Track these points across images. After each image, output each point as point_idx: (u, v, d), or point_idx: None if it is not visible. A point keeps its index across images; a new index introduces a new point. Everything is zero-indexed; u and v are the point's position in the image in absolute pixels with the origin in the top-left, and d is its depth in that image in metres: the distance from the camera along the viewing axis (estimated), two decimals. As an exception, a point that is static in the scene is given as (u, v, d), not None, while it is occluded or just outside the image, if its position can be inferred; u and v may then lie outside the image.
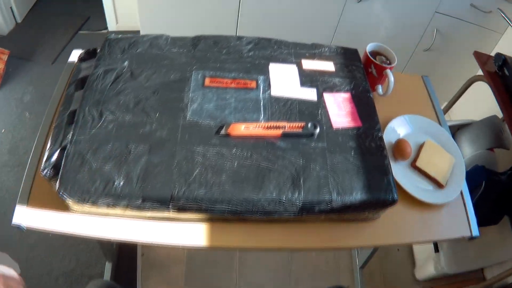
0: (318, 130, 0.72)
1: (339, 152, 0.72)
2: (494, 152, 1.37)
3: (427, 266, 1.53)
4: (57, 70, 2.04)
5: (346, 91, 0.81)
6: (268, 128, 0.71)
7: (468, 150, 1.39)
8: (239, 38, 0.86)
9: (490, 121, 1.40)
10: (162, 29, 1.61)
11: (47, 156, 0.69)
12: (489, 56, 1.31)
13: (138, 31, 1.67)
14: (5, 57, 1.96)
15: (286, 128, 0.71)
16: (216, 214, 0.67)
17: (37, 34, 2.18)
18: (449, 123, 1.50)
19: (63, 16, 2.29)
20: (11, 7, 2.13)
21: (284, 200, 0.65)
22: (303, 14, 1.60)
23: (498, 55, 1.28)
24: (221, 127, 0.71)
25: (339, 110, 0.77)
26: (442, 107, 2.08)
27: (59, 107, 0.80)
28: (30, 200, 0.72)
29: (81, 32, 2.18)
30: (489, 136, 1.37)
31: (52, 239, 1.50)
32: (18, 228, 0.70)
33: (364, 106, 0.80)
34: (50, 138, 0.72)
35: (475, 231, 0.82)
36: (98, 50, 0.85)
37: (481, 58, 1.30)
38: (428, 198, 0.81)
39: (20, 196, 0.73)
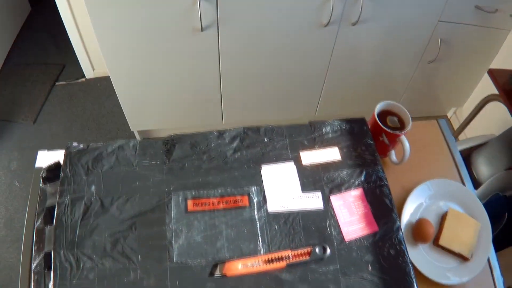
0: (328, 253, 0.60)
1: (354, 272, 0.61)
2: None
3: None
4: (40, 130, 1.93)
5: (357, 186, 0.69)
6: (270, 261, 0.59)
7: (486, 172, 1.28)
8: (221, 134, 0.73)
9: (508, 137, 1.28)
10: (132, 74, 1.49)
11: None
12: (504, 71, 1.17)
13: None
14: (-17, 125, 1.85)
15: (291, 257, 0.60)
16: None
17: (13, 92, 2.07)
18: (464, 145, 1.38)
19: (38, 67, 2.16)
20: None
21: None
22: (296, 44, 1.45)
23: None
24: (215, 267, 0.60)
25: (351, 215, 0.65)
26: (450, 115, 1.97)
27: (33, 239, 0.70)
28: None
29: (58, 83, 2.06)
30: (508, 154, 1.25)
31: None
32: None
33: (379, 201, 0.67)
34: (32, 285, 0.63)
35: None
36: (61, 168, 0.73)
37: (495, 75, 1.16)
38: (453, 280, 0.73)
39: None
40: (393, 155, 0.80)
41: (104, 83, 2.02)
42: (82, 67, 1.99)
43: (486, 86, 1.66)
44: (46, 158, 0.85)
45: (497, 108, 1.34)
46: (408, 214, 0.78)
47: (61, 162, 0.73)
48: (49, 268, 0.63)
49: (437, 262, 0.74)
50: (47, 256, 0.65)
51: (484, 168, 1.28)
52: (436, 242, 0.76)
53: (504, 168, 1.24)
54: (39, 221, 0.72)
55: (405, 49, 1.52)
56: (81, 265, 0.61)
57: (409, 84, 1.65)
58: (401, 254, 0.63)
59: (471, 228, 0.77)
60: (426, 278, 0.72)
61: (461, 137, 1.68)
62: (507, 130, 1.27)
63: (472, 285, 0.73)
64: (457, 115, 1.96)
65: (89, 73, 2.03)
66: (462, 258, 0.75)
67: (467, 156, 1.35)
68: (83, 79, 2.05)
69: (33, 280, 0.64)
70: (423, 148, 0.88)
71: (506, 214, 1.13)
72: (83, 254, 0.62)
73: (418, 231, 0.75)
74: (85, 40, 1.87)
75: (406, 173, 0.83)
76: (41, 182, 0.76)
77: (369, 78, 1.62)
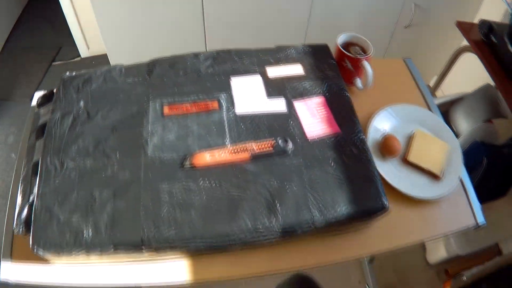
0: (290, 145, 0.66)
1: (317, 166, 0.66)
2: (493, 124, 1.30)
3: (438, 249, 1.48)
4: (36, 107, 2.00)
5: (319, 94, 0.75)
6: (235, 152, 0.65)
7: (464, 125, 1.32)
8: (196, 55, 0.80)
9: (484, 91, 1.33)
10: (129, 50, 1.58)
11: (17, 213, 0.66)
12: (473, 24, 1.23)
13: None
14: (-18, 102, 1.92)
15: (255, 149, 0.66)
16: (191, 250, 0.62)
17: (12, 72, 2.15)
18: (441, 100, 1.44)
19: (35, 49, 2.25)
20: (-19, 49, 2.09)
21: (261, 229, 0.60)
22: (272, 14, 1.53)
23: (483, 22, 1.20)
24: (184, 159, 0.66)
25: (313, 117, 0.71)
26: (432, 84, 2.03)
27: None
28: (14, 254, 0.70)
29: (54, 63, 2.14)
30: (485, 107, 1.30)
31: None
32: (7, 284, 0.68)
33: (341, 108, 0.74)
34: (19, 193, 0.69)
35: (481, 219, 0.75)
36: (55, 92, 0.80)
37: (464, 27, 1.23)
38: (424, 194, 0.74)
39: (3, 252, 0.71)
40: (358, 82, 0.86)
41: (99, 60, 2.10)
42: (78, 47, 2.08)
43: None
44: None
45: (472, 66, 1.40)
46: (374, 134, 0.81)
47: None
48: (36, 175, 0.68)
49: (407, 178, 0.77)
50: (35, 165, 0.70)
51: (462, 121, 1.33)
52: (405, 159, 0.78)
53: (481, 120, 1.28)
54: (31, 138, 0.78)
55: (381, 12, 1.59)
56: (65, 166, 0.67)
57: (388, 49, 1.72)
58: (363, 152, 0.68)
59: (439, 147, 0.79)
60: (396, 193, 0.73)
61: (439, 94, 1.73)
62: (484, 85, 1.33)
63: (446, 205, 0.76)
64: (441, 89, 2.02)
65: (84, 53, 2.12)
66: (433, 176, 0.77)
67: (446, 112, 1.40)
68: (78, 58, 2.14)
69: (20, 189, 0.69)
70: (390, 81, 0.93)
71: (485, 159, 1.17)
72: (67, 157, 0.68)
73: (385, 145, 0.78)
74: (81, 21, 1.96)
75: (372, 99, 0.87)
76: (36, 108, 0.83)
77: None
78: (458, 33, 1.44)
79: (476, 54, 1.20)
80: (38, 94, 0.91)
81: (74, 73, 0.82)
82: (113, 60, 1.61)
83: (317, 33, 1.65)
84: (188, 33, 1.57)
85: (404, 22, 1.64)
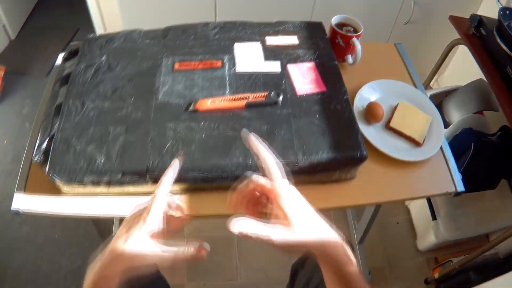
0: (281, 97, 0.77)
1: (304, 116, 0.76)
2: (484, 115, 1.36)
3: (428, 235, 1.53)
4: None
5: (310, 60, 0.86)
6: (233, 100, 0.76)
7: (456, 116, 1.37)
8: (206, 24, 0.91)
9: (477, 85, 1.38)
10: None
11: (38, 144, 0.75)
12: (465, 19, 1.29)
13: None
14: (1, 73, 2.04)
15: (250, 98, 0.76)
16: (190, 182, 0.72)
17: (30, 49, 2.27)
18: (435, 91, 1.50)
19: (54, 30, 2.38)
20: (3, 25, 2.21)
21: (251, 163, 0.70)
22: (277, 3, 1.63)
23: (473, 16, 1.25)
24: (189, 104, 0.76)
25: (303, 78, 0.82)
26: (432, 83, 2.07)
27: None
28: (27, 187, 0.78)
29: (72, 43, 2.25)
30: (476, 99, 1.35)
31: (58, 239, 1.57)
32: (17, 213, 0.75)
33: (328, 72, 0.84)
34: (40, 130, 0.78)
35: (460, 187, 0.81)
36: (80, 48, 0.91)
37: (457, 21, 1.30)
38: (405, 156, 0.80)
39: (17, 184, 0.78)
40: (349, 58, 0.96)
41: (113, 42, 2.22)
42: (95, 29, 2.19)
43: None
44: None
45: (469, 62, 1.46)
46: (360, 101, 0.88)
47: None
48: (57, 115, 0.77)
49: (390, 142, 0.83)
50: (58, 107, 0.79)
51: (454, 112, 1.39)
52: (387, 125, 0.85)
53: (472, 112, 1.33)
54: (55, 85, 0.88)
55: (381, 8, 1.67)
56: (85, 107, 0.77)
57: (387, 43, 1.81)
58: (347, 109, 0.78)
59: (422, 118, 0.86)
60: (379, 154, 0.80)
61: (435, 87, 1.78)
62: (477, 79, 1.39)
63: (426, 171, 0.81)
64: (438, 83, 2.07)
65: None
66: (414, 142, 0.83)
67: (439, 103, 1.46)
68: (95, 39, 2.26)
69: (42, 126, 0.77)
70: (381, 62, 1.02)
71: (473, 144, 1.21)
72: (88, 99, 0.78)
73: (369, 111, 0.86)
74: (100, 4, 2.08)
75: (363, 76, 0.96)
76: (62, 61, 0.94)
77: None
78: (455, 32, 1.50)
79: (467, 46, 1.24)
80: (61, 55, 1.02)
81: (98, 34, 0.94)
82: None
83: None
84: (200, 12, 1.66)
85: (404, 18, 1.71)
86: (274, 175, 0.48)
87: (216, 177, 0.71)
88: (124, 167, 0.69)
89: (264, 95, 0.76)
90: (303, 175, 0.75)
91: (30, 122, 1.96)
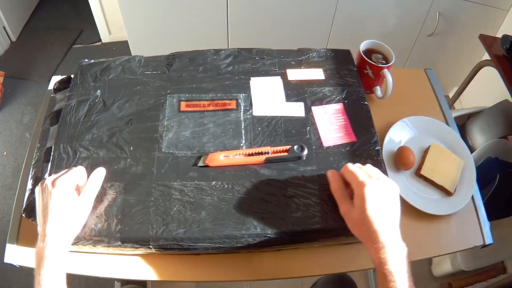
0: (305, 152, 0.65)
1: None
2: (509, 140, 1.28)
3: (444, 263, 1.47)
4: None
5: (338, 101, 0.74)
6: (250, 155, 0.64)
7: (480, 140, 1.31)
8: (217, 51, 0.79)
9: (502, 107, 1.30)
10: (150, 38, 1.58)
11: (27, 197, 0.65)
12: (496, 38, 1.21)
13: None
14: (0, 79, 1.94)
15: (270, 153, 0.65)
16: (200, 251, 0.62)
17: (32, 52, 2.17)
18: (459, 112, 1.41)
19: (57, 31, 2.27)
20: (4, 27, 2.11)
21: (270, 234, 0.59)
22: (296, 16, 1.51)
23: (505, 37, 1.18)
24: (198, 158, 0.65)
25: (330, 125, 0.70)
26: (451, 95, 1.99)
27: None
28: (20, 238, 0.71)
29: (75, 46, 2.15)
30: (502, 123, 1.28)
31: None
32: (12, 266, 0.70)
33: (358, 117, 0.72)
34: (30, 177, 0.68)
35: (489, 239, 0.74)
36: (72, 78, 0.80)
37: (487, 41, 1.21)
38: (435, 210, 0.73)
39: (9, 235, 0.72)
40: (378, 90, 0.85)
41: (119, 47, 2.11)
42: (99, 32, 2.08)
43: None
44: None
45: (494, 81, 1.37)
46: (390, 144, 0.80)
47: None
48: (48, 161, 0.68)
49: (419, 192, 0.76)
50: (47, 151, 0.70)
51: (478, 136, 1.31)
52: (418, 172, 0.77)
53: (497, 136, 1.26)
54: (46, 123, 0.78)
55: (404, 19, 1.56)
56: (77, 155, 0.67)
57: (409, 57, 1.69)
58: (378, 164, 0.66)
59: (454, 163, 0.78)
60: (407, 206, 0.73)
61: (457, 106, 1.70)
62: (502, 101, 1.30)
63: (455, 222, 0.74)
64: (460, 101, 1.98)
65: (105, 37, 2.12)
66: (445, 191, 0.76)
67: (462, 125, 1.38)
68: (99, 43, 2.14)
69: (31, 174, 0.68)
70: (410, 92, 0.92)
71: (498, 175, 1.15)
72: (81, 146, 0.68)
73: (399, 157, 0.77)
74: (104, 5, 1.96)
75: (391, 109, 0.86)
76: (52, 92, 0.83)
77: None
78: (480, 45, 1.41)
79: (497, 69, 1.18)
80: (55, 79, 0.91)
81: (92, 61, 0.82)
82: (133, 47, 1.61)
83: (339, 39, 1.64)
84: (211, 28, 1.56)
85: (428, 30, 1.61)
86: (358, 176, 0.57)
87: (230, 247, 0.60)
88: (123, 235, 0.59)
89: (286, 149, 0.65)
90: (328, 240, 0.64)
91: (31, 132, 1.87)
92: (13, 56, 2.14)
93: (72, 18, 2.35)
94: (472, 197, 0.78)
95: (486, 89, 1.61)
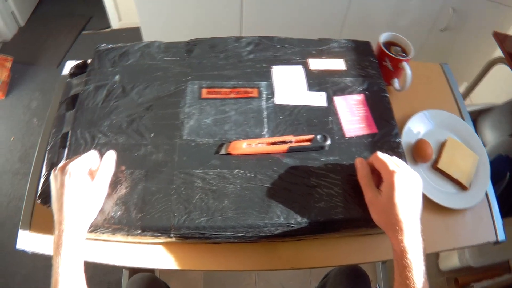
0: (328, 142, 0.64)
1: (353, 165, 0.64)
2: None
3: (451, 258, 1.47)
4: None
5: (359, 92, 0.73)
6: (273, 144, 0.64)
7: (490, 137, 1.30)
8: (238, 39, 0.78)
9: None
10: (162, 25, 1.56)
11: (42, 183, 0.64)
12: (508, 36, 1.19)
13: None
14: (8, 64, 1.93)
15: (293, 142, 0.64)
16: (221, 240, 0.62)
17: (40, 38, 2.15)
18: (470, 108, 1.39)
19: (66, 17, 2.25)
20: (12, 12, 2.09)
21: (293, 224, 0.58)
22: (309, 5, 1.49)
23: None
24: (221, 146, 0.64)
25: (352, 115, 0.69)
26: (462, 91, 1.97)
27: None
28: (33, 225, 0.70)
29: (84, 32, 2.13)
30: None
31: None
32: (25, 252, 0.69)
33: (379, 108, 0.71)
34: (45, 163, 0.67)
35: (501, 236, 0.74)
36: (89, 63, 0.79)
37: (501, 38, 1.18)
38: (451, 204, 0.73)
39: (22, 221, 0.71)
40: (396, 82, 0.84)
41: (129, 33, 2.08)
42: (109, 18, 2.06)
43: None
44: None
45: (505, 78, 1.36)
46: (407, 136, 0.80)
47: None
48: (64, 147, 0.67)
49: (436, 185, 0.76)
50: (64, 137, 0.69)
51: (489, 132, 1.30)
52: (435, 165, 0.77)
53: (508, 133, 1.25)
54: (61, 108, 0.77)
55: (417, 13, 1.54)
56: (96, 141, 0.66)
57: (421, 51, 1.67)
58: (398, 156, 0.66)
59: (469, 158, 0.78)
60: (424, 198, 0.72)
61: (467, 102, 1.68)
62: None
63: (470, 217, 0.75)
64: (470, 98, 1.97)
65: (115, 24, 2.10)
66: (461, 186, 0.76)
67: (473, 121, 1.37)
68: (108, 29, 2.13)
69: (46, 160, 0.67)
70: (426, 85, 0.91)
71: (508, 173, 1.15)
72: (99, 132, 0.67)
73: (417, 150, 0.77)
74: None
75: (409, 101, 0.85)
76: (68, 77, 0.82)
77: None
78: (492, 41, 1.39)
79: (510, 67, 1.15)
80: (70, 64, 0.89)
81: (110, 46, 0.81)
82: (146, 34, 1.59)
83: (352, 31, 1.62)
84: (224, 14, 1.54)
85: (440, 25, 1.59)
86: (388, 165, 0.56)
87: (252, 236, 0.60)
88: (144, 223, 0.59)
89: (309, 139, 0.64)
90: (349, 230, 0.64)
91: (39, 117, 1.86)
92: (21, 42, 2.12)
93: (81, 4, 2.32)
94: (486, 194, 0.77)
95: (496, 86, 1.59)
